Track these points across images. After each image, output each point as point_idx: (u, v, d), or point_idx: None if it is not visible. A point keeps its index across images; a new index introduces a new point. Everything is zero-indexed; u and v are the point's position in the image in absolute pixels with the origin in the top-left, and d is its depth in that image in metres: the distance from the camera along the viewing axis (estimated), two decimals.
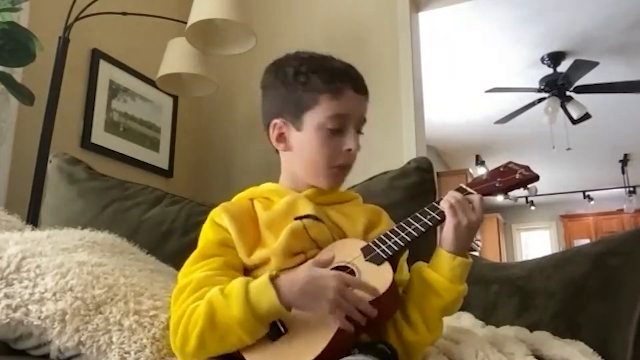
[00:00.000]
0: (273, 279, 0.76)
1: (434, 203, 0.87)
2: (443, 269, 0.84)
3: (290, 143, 0.97)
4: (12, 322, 0.82)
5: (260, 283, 0.76)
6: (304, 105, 0.94)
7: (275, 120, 0.97)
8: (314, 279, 0.75)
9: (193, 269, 0.87)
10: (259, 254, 0.89)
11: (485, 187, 0.89)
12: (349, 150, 0.94)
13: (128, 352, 0.80)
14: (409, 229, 0.84)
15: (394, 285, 0.78)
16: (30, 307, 0.83)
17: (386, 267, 0.80)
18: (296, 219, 0.90)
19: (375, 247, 0.83)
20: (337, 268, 0.83)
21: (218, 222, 0.95)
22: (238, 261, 0.90)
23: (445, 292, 0.83)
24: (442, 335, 0.96)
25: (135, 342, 0.81)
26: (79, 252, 0.98)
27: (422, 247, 0.90)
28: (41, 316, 0.82)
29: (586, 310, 1.14)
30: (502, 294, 1.28)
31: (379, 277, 0.79)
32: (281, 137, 0.97)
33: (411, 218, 0.86)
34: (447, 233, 0.84)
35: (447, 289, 0.83)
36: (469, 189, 0.88)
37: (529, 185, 0.89)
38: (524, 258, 8.11)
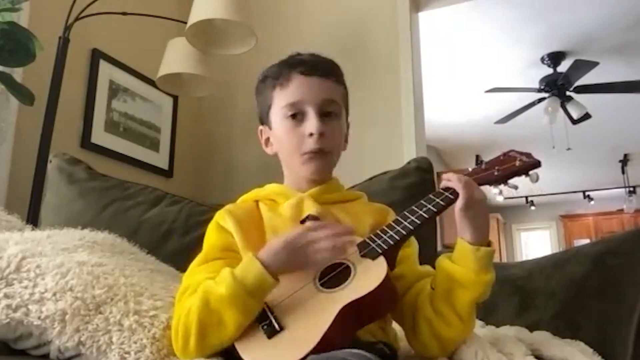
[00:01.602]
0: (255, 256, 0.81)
1: (430, 195, 0.87)
2: (468, 262, 0.82)
3: (273, 144, 1.03)
4: (12, 322, 0.82)
5: (244, 261, 0.81)
6: (267, 105, 1.01)
7: (260, 127, 1.05)
8: (290, 244, 0.81)
9: (196, 272, 0.89)
10: None
11: (484, 176, 0.88)
12: (311, 134, 0.95)
13: (128, 352, 0.80)
14: (405, 223, 0.84)
15: (387, 279, 0.78)
16: (30, 307, 0.83)
17: (381, 261, 0.80)
18: (301, 222, 0.91)
19: (370, 242, 0.84)
20: (331, 265, 0.84)
21: (222, 224, 0.96)
22: None
23: (473, 285, 0.82)
24: None
25: (135, 342, 0.81)
26: (79, 252, 0.98)
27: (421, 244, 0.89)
28: (41, 316, 0.82)
29: (586, 310, 1.13)
30: (502, 294, 1.28)
31: (373, 271, 0.79)
32: (267, 141, 1.04)
33: (407, 211, 0.86)
34: (461, 218, 0.82)
35: (475, 281, 0.81)
36: None
37: (530, 172, 0.87)
38: (524, 258, 8.11)
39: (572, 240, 8.59)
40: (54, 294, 0.84)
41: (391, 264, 0.83)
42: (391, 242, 0.82)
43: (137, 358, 0.80)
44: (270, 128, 1.01)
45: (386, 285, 0.77)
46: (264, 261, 0.79)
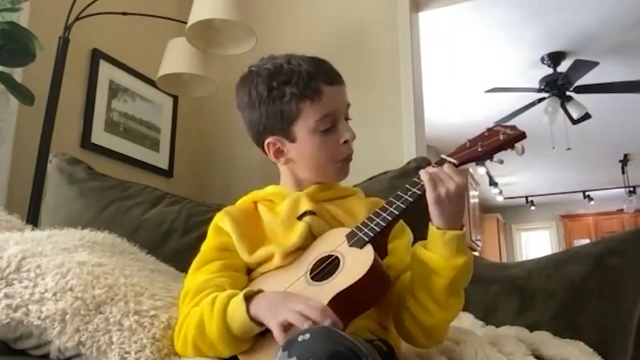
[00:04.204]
0: (249, 296, 0.78)
1: (414, 179, 0.86)
2: (437, 247, 0.81)
3: (289, 156, 0.98)
4: (12, 322, 0.82)
5: (236, 300, 0.78)
6: (289, 118, 0.94)
7: (269, 140, 0.98)
8: (282, 297, 0.77)
9: (195, 275, 0.91)
10: (261, 252, 0.91)
11: (467, 154, 0.87)
12: (346, 141, 0.96)
13: (128, 352, 0.80)
14: (390, 209, 0.84)
15: (375, 266, 0.78)
16: (30, 307, 0.83)
17: (368, 249, 0.80)
18: (298, 218, 0.93)
19: (358, 232, 0.84)
20: (322, 258, 0.85)
21: (220, 225, 0.97)
22: (239, 262, 0.93)
23: (443, 270, 0.81)
24: None
25: (135, 342, 0.81)
26: (79, 252, 0.98)
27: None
28: (41, 316, 0.82)
29: (586, 311, 1.14)
30: (502, 294, 1.28)
31: (361, 259, 0.79)
32: (279, 153, 0.99)
33: (392, 197, 0.86)
34: (431, 208, 0.82)
35: (445, 266, 0.81)
36: (449, 159, 0.87)
37: (515, 145, 0.86)
38: (524, 258, 8.11)
39: (572, 240, 8.58)
40: (54, 294, 0.84)
41: (381, 251, 0.83)
42: (377, 230, 0.82)
43: (137, 358, 0.80)
44: (291, 141, 0.96)
45: (374, 271, 0.78)
46: (252, 302, 0.77)
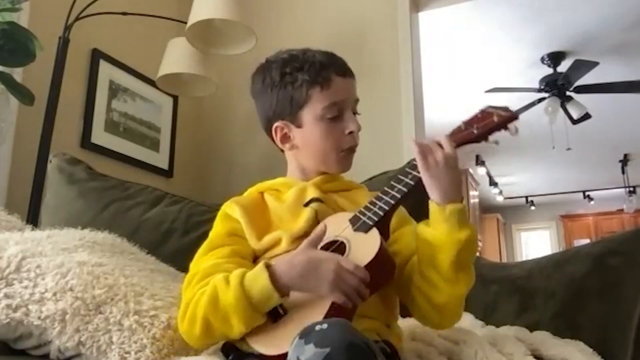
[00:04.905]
0: (269, 266, 0.79)
1: (413, 162, 0.86)
2: (438, 223, 0.82)
3: (295, 141, 1.00)
4: (12, 322, 0.82)
5: (255, 270, 0.79)
6: (298, 103, 0.97)
7: (276, 124, 1.00)
8: (313, 261, 0.78)
9: (202, 259, 0.90)
10: (268, 237, 0.92)
11: (463, 136, 0.88)
12: (351, 132, 0.98)
13: (128, 352, 0.80)
14: (393, 192, 0.85)
15: (382, 250, 0.78)
16: (30, 307, 0.83)
17: (374, 233, 0.81)
18: (305, 205, 0.94)
19: (361, 216, 0.85)
20: (328, 243, 0.85)
21: (229, 212, 0.98)
22: (247, 249, 0.93)
23: (447, 245, 0.81)
24: (442, 335, 0.96)
25: (135, 342, 0.81)
26: (79, 252, 0.98)
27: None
28: (41, 316, 0.82)
29: (586, 310, 1.14)
30: (502, 294, 1.28)
31: (367, 244, 0.80)
32: (285, 138, 1.01)
33: (393, 181, 0.86)
34: (425, 180, 0.83)
35: (448, 242, 0.81)
36: None
37: (509, 126, 0.86)
38: (524, 258, 8.11)
39: (572, 240, 8.58)
40: (54, 294, 0.84)
41: (385, 235, 0.83)
42: (381, 213, 0.83)
43: (137, 358, 0.80)
44: (297, 126, 0.98)
45: (382, 255, 0.78)
46: (275, 272, 0.78)
